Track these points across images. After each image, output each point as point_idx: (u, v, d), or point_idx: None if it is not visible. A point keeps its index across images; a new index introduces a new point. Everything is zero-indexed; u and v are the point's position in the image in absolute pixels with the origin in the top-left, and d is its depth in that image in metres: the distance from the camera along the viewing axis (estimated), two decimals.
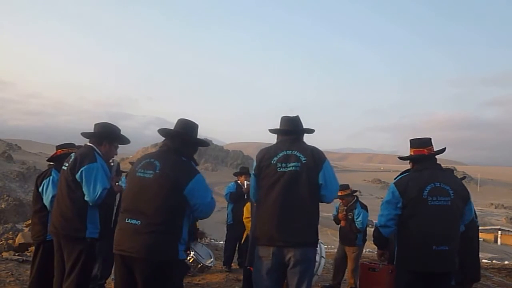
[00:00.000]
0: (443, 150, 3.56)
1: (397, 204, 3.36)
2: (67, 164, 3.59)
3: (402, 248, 3.37)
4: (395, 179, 3.55)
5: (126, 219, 2.88)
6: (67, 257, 3.48)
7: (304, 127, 3.40)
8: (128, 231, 2.85)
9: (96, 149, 3.61)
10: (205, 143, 3.24)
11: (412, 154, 3.55)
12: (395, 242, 3.45)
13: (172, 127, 3.15)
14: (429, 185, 3.28)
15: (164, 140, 3.12)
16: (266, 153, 3.28)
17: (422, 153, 3.49)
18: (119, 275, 2.97)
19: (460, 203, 3.35)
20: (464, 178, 4.52)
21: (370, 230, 6.70)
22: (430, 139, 3.55)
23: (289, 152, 3.21)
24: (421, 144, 3.51)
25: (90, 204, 3.44)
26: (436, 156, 3.53)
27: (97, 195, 3.38)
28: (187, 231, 2.99)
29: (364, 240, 6.29)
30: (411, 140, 3.60)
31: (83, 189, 3.43)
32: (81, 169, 3.42)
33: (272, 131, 3.45)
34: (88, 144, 3.67)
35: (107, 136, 3.70)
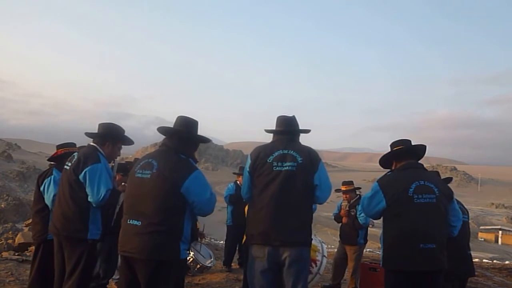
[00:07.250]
0: (422, 145, 3.50)
1: (379, 203, 3.31)
2: (69, 164, 3.56)
3: (387, 248, 3.31)
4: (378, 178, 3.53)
5: (128, 220, 2.90)
6: (68, 258, 3.44)
7: (300, 127, 3.38)
8: (129, 232, 2.86)
9: (99, 149, 3.59)
10: (205, 139, 3.21)
11: None
12: (381, 242, 3.39)
13: (172, 126, 3.13)
14: (414, 183, 3.24)
15: (164, 139, 3.10)
16: (262, 151, 3.25)
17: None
18: (123, 275, 2.99)
19: (444, 201, 3.32)
20: (450, 179, 4.42)
21: (371, 230, 6.68)
22: (410, 140, 3.52)
23: (286, 151, 3.18)
24: (401, 142, 3.50)
25: (94, 205, 3.41)
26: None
27: (101, 197, 3.36)
28: (190, 229, 2.98)
29: (366, 240, 6.20)
30: (390, 144, 3.56)
31: (87, 190, 3.40)
32: (84, 170, 3.40)
33: (268, 131, 3.42)
34: (91, 144, 3.64)
35: (110, 136, 3.67)
